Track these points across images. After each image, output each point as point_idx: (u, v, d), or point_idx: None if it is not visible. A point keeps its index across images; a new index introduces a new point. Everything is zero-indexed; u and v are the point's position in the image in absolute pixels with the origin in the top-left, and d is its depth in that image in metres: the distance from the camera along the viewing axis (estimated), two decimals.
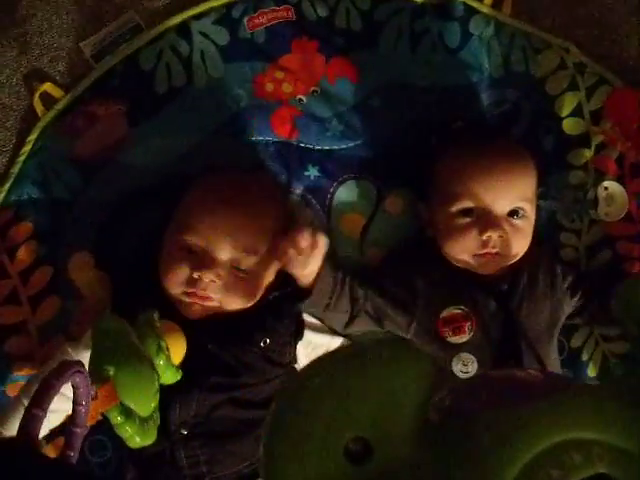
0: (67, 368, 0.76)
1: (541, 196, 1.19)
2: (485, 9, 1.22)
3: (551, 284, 1.16)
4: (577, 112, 1.23)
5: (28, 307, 1.17)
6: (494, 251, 1.10)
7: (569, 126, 1.23)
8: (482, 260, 1.12)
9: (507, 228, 1.10)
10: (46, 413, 0.70)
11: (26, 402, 0.96)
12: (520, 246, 1.12)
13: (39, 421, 0.68)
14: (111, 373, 0.85)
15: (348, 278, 1.13)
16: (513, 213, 1.10)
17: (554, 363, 1.16)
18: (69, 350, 1.11)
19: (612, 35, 1.24)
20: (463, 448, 0.54)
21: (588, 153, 1.22)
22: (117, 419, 0.86)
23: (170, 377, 0.95)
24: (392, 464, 0.53)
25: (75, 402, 0.83)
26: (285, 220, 1.16)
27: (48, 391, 0.71)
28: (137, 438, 0.89)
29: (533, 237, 1.15)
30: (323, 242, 1.06)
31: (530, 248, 1.14)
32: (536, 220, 1.16)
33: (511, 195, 1.10)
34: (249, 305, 1.09)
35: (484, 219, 1.10)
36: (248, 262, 1.07)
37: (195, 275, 1.05)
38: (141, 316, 0.98)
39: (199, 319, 1.09)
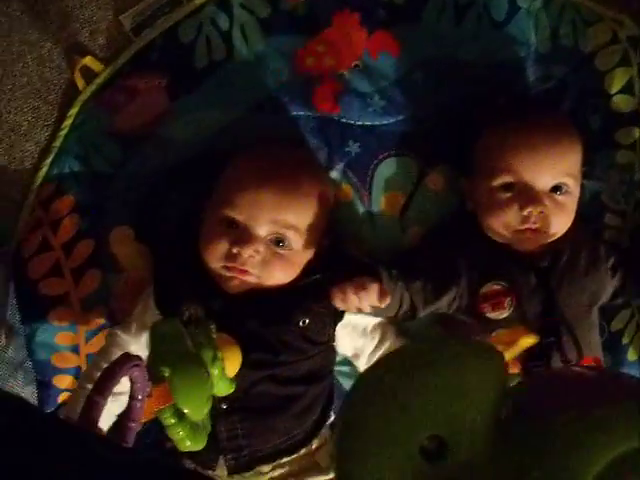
0: (128, 360, 0.78)
1: (586, 175, 1.16)
2: None
3: (593, 264, 1.14)
4: (627, 89, 1.18)
5: (71, 279, 1.20)
6: (534, 227, 1.09)
7: (619, 103, 1.19)
8: (522, 236, 1.10)
9: (549, 204, 1.08)
10: (107, 401, 0.73)
11: (87, 385, 1.01)
12: (562, 223, 1.10)
13: (100, 408, 0.71)
14: (167, 375, 0.87)
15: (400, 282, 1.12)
16: (556, 189, 1.09)
17: (594, 343, 1.15)
18: (119, 333, 1.14)
19: None
20: (539, 448, 0.53)
21: (637, 132, 1.19)
22: (170, 420, 0.88)
23: (223, 389, 0.97)
24: (467, 461, 0.53)
25: (132, 396, 0.85)
26: (329, 197, 1.16)
27: (109, 380, 0.74)
28: (187, 442, 0.91)
29: (576, 216, 1.13)
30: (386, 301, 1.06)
31: (573, 227, 1.12)
32: (580, 199, 1.14)
33: (554, 170, 1.08)
34: (288, 281, 1.10)
35: (525, 194, 1.08)
36: (288, 238, 1.08)
37: (234, 250, 1.06)
38: (199, 325, 0.99)
39: (240, 295, 1.10)
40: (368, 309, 1.07)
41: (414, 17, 1.19)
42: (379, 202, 1.21)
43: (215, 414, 1.06)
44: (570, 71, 1.19)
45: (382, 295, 1.05)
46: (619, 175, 1.20)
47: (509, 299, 1.12)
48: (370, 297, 1.05)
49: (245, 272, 1.07)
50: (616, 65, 1.18)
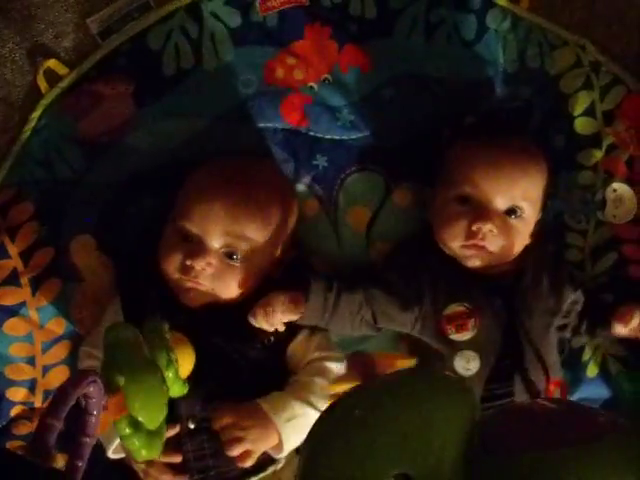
0: (83, 378, 0.75)
1: (549, 195, 1.19)
2: (503, 2, 1.19)
3: (555, 284, 1.16)
4: (590, 112, 1.21)
5: (28, 288, 1.16)
6: (481, 244, 1.10)
7: (581, 125, 1.21)
8: (468, 252, 1.12)
9: (499, 224, 1.09)
10: (61, 423, 0.69)
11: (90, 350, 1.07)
12: (511, 246, 1.12)
13: (54, 431, 0.68)
14: (121, 384, 0.84)
15: (343, 293, 1.11)
16: (510, 212, 1.10)
17: (556, 363, 1.17)
18: (89, 350, 1.12)
19: (630, 33, 1.21)
20: None
21: (598, 154, 1.21)
22: (125, 430, 0.84)
23: (177, 390, 0.95)
24: None
25: (86, 412, 0.82)
26: (290, 210, 1.16)
27: (64, 401, 0.70)
28: (143, 451, 0.88)
29: (539, 236, 1.15)
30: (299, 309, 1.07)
31: (535, 246, 1.15)
32: (543, 218, 1.17)
33: (511, 192, 1.10)
34: (245, 292, 1.09)
35: (478, 210, 1.10)
36: (241, 250, 1.07)
37: (187, 262, 1.06)
38: (150, 324, 0.97)
39: (202, 308, 1.09)
40: (286, 319, 1.06)
41: (385, 32, 1.20)
42: (345, 216, 1.22)
43: (182, 433, 1.06)
44: (536, 92, 1.21)
45: (292, 303, 1.06)
46: (581, 195, 1.22)
47: (473, 320, 1.13)
48: (279, 308, 1.05)
49: (198, 284, 1.07)
50: (579, 88, 1.21)
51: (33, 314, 1.16)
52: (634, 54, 1.22)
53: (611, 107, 1.21)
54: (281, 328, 1.07)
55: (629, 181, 1.21)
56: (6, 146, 1.17)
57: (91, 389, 0.78)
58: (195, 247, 1.07)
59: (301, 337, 1.12)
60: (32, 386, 1.18)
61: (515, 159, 1.11)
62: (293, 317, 1.07)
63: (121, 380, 0.84)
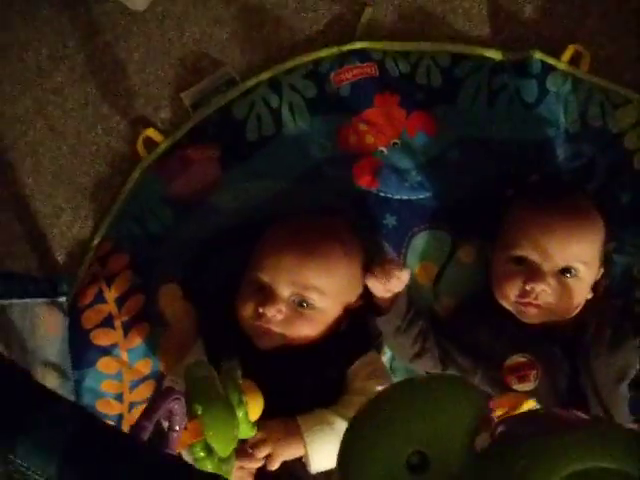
0: (170, 393, 0.87)
1: (616, 251, 1.20)
2: (562, 66, 1.25)
3: (619, 340, 1.15)
4: None
5: (121, 331, 1.28)
6: (535, 302, 1.13)
7: None
8: (522, 308, 1.15)
9: (553, 284, 1.12)
10: (152, 425, 0.80)
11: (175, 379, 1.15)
12: (566, 304, 1.14)
13: (146, 431, 0.79)
14: (199, 412, 0.93)
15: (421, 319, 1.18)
16: (565, 271, 1.13)
17: (623, 418, 1.14)
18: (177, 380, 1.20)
19: None
20: (502, 471, 0.60)
21: None
22: (199, 454, 0.93)
23: (246, 432, 1.02)
24: (445, 474, 0.60)
25: (170, 427, 0.92)
26: (360, 264, 1.21)
27: (155, 408, 0.82)
28: None
29: (603, 290, 1.15)
30: (407, 274, 1.14)
31: (599, 300, 1.15)
32: (609, 274, 1.17)
33: (565, 254, 1.12)
34: (314, 337, 1.16)
35: (532, 270, 1.13)
36: (310, 299, 1.14)
37: (260, 310, 1.14)
38: (226, 367, 1.05)
39: (273, 351, 1.16)
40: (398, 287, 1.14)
41: (450, 99, 1.28)
42: (414, 271, 1.27)
43: None
44: (598, 150, 1.24)
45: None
46: None
47: (535, 372, 1.14)
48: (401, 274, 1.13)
49: (269, 330, 1.15)
50: None
51: (124, 355, 1.27)
52: None
53: None
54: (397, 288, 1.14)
55: None
56: (108, 204, 1.32)
57: (176, 406, 0.88)
58: (266, 295, 1.15)
59: (361, 362, 1.17)
60: (119, 420, 1.28)
61: (568, 220, 1.14)
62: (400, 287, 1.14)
63: (199, 409, 0.93)
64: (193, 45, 1.32)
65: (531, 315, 1.14)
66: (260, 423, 1.04)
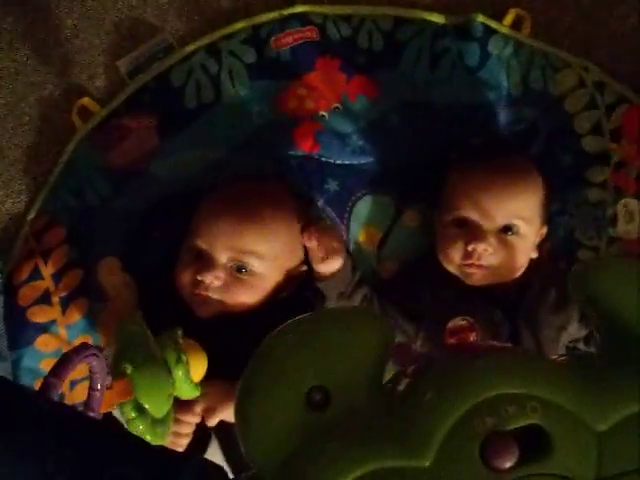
0: (85, 348, 0.82)
1: (558, 213, 1.20)
2: (504, 29, 1.24)
3: (563, 301, 1.16)
4: (596, 130, 1.23)
5: (59, 307, 1.24)
6: (478, 263, 1.13)
7: (588, 144, 1.23)
8: (466, 270, 1.15)
9: (495, 243, 1.12)
10: (62, 383, 0.75)
11: None
12: (509, 262, 1.14)
13: (55, 388, 0.75)
14: (128, 371, 0.90)
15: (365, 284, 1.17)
16: (506, 229, 1.13)
17: None
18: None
19: (632, 54, 1.24)
20: (410, 401, 0.59)
21: (607, 171, 1.22)
22: (130, 414, 0.91)
23: (188, 392, 1.00)
24: (348, 413, 0.58)
25: (90, 387, 0.88)
26: (300, 229, 1.19)
27: (65, 364, 0.77)
28: (147, 436, 0.93)
29: (547, 252, 1.16)
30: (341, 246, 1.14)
31: (543, 262, 1.15)
32: (552, 236, 1.18)
33: (504, 211, 1.12)
34: (254, 304, 1.14)
35: (472, 231, 1.13)
36: (249, 264, 1.12)
37: (197, 277, 1.12)
38: (166, 331, 1.03)
39: (213, 320, 1.14)
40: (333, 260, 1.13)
41: (392, 63, 1.26)
42: (357, 236, 1.26)
43: None
44: (540, 113, 1.24)
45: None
46: (591, 212, 1.23)
47: (475, 334, 1.14)
48: (334, 242, 1.13)
49: (208, 297, 1.13)
50: (584, 108, 1.23)
51: (63, 331, 1.24)
52: (636, 74, 1.24)
53: (618, 125, 1.23)
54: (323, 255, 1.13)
55: (639, 196, 1.21)
56: (42, 177, 1.27)
57: (93, 363, 0.83)
58: (204, 262, 1.13)
59: None
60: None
61: (503, 177, 1.14)
62: (338, 260, 1.13)
63: (128, 368, 0.90)
64: (128, 10, 1.27)
65: (476, 277, 1.14)
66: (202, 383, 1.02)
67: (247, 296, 1.13)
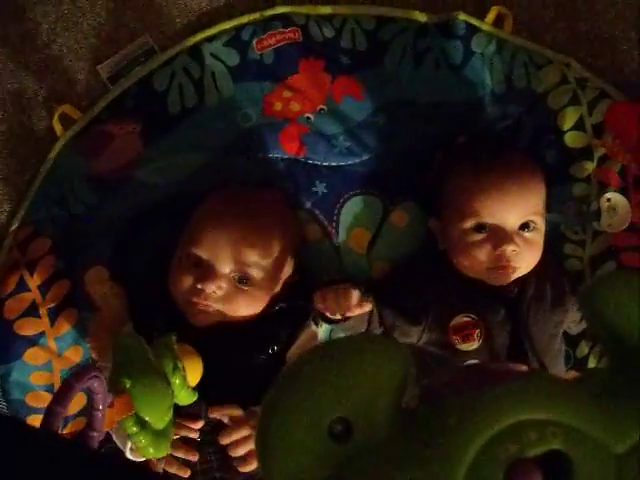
0: (86, 372, 0.81)
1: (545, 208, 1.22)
2: (486, 27, 1.25)
3: (558, 295, 1.18)
4: (579, 126, 1.24)
5: (47, 319, 1.22)
6: (507, 265, 1.13)
7: (571, 140, 1.25)
8: (496, 273, 1.14)
9: (519, 242, 1.12)
10: (66, 411, 0.75)
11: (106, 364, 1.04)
12: (533, 258, 1.15)
13: (59, 417, 0.74)
14: (127, 386, 0.90)
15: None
16: (524, 226, 1.13)
17: (559, 372, 1.18)
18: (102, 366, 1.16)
19: (613, 50, 1.26)
20: (432, 429, 0.58)
21: (590, 166, 1.24)
22: (132, 429, 0.90)
23: (185, 398, 1.00)
24: (370, 444, 0.58)
25: (92, 407, 0.88)
26: (295, 235, 1.21)
27: (68, 391, 0.77)
28: (150, 449, 0.93)
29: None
30: (368, 307, 1.10)
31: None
32: None
33: (522, 209, 1.13)
34: (253, 314, 1.14)
35: (497, 234, 1.12)
36: (251, 274, 1.12)
37: (198, 286, 1.10)
38: (159, 338, 1.02)
39: (208, 328, 1.13)
40: (349, 313, 1.08)
41: (376, 62, 1.26)
42: (346, 239, 1.26)
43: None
44: (524, 110, 1.25)
45: (362, 302, 1.08)
46: (576, 207, 1.25)
47: (478, 331, 1.15)
48: (350, 302, 1.06)
49: (208, 306, 1.12)
50: (567, 104, 1.25)
51: (52, 343, 1.22)
52: (617, 69, 1.26)
53: (600, 120, 1.24)
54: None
55: (622, 190, 1.23)
56: (25, 186, 1.24)
57: (95, 384, 0.83)
58: (206, 272, 1.11)
59: (300, 342, 1.16)
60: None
61: (517, 178, 1.14)
62: (364, 309, 1.09)
63: (127, 382, 0.90)
64: (107, 14, 1.25)
65: (505, 278, 1.14)
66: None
67: (247, 306, 1.13)
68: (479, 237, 1.13)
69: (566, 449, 0.57)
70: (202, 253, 1.12)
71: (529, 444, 0.56)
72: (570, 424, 0.57)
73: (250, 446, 1.05)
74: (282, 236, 1.16)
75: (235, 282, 1.12)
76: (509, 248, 1.12)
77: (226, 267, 1.11)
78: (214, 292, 1.10)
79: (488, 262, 1.13)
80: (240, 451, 1.05)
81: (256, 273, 1.12)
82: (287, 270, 1.18)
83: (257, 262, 1.11)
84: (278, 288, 1.16)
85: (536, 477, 0.56)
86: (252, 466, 1.05)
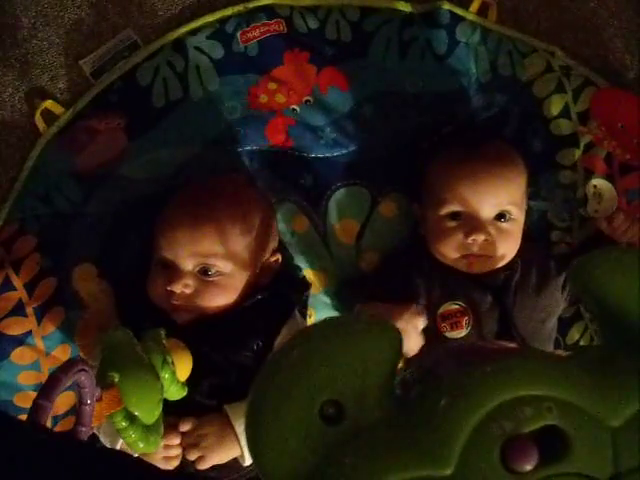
0: (73, 365, 0.79)
1: (531, 196, 1.22)
2: (471, 16, 1.25)
3: (544, 281, 1.19)
4: (564, 113, 1.25)
5: (34, 318, 1.20)
6: (479, 253, 1.14)
7: (557, 127, 1.25)
8: (467, 261, 1.15)
9: (493, 231, 1.13)
10: (52, 405, 0.73)
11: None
12: (507, 248, 1.15)
13: (45, 411, 0.72)
14: (116, 380, 0.88)
15: None
16: (500, 216, 1.14)
17: None
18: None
19: (596, 38, 1.26)
20: (425, 409, 0.59)
21: (577, 153, 1.25)
22: (121, 424, 0.88)
23: (175, 392, 0.99)
24: (362, 426, 0.58)
25: (80, 401, 0.86)
26: (266, 217, 1.18)
27: (55, 384, 0.74)
28: (140, 444, 0.91)
29: (525, 235, 1.17)
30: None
31: (523, 246, 1.17)
32: (527, 219, 1.19)
33: (497, 199, 1.13)
34: (230, 303, 1.12)
35: (470, 223, 1.13)
36: (214, 264, 1.10)
37: (168, 288, 1.10)
38: (149, 332, 1.01)
39: (192, 323, 1.12)
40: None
41: (361, 53, 1.26)
42: (334, 230, 1.26)
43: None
44: (510, 99, 1.26)
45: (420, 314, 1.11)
46: (563, 194, 1.25)
47: (467, 318, 1.15)
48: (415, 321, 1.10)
49: (183, 306, 1.11)
50: (552, 92, 1.25)
51: (39, 343, 1.20)
52: (601, 57, 1.26)
53: (585, 108, 1.25)
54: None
55: (608, 177, 1.24)
56: (8, 184, 1.23)
57: (82, 378, 0.81)
58: (171, 273, 1.11)
59: (285, 333, 1.15)
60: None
61: (493, 167, 1.15)
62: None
63: (116, 376, 0.88)
64: (88, 7, 1.23)
65: (477, 267, 1.15)
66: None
67: (221, 296, 1.12)
68: (452, 224, 1.14)
69: (562, 424, 0.57)
70: (166, 254, 1.11)
71: (524, 420, 0.57)
72: (565, 399, 0.57)
73: (199, 453, 1.06)
74: (243, 219, 1.13)
75: (201, 276, 1.10)
76: (480, 237, 1.12)
77: (188, 263, 1.10)
78: (183, 291, 1.10)
79: (459, 250, 1.14)
80: (191, 456, 1.06)
81: (219, 262, 1.10)
82: (262, 253, 1.16)
83: (216, 251, 1.10)
84: (252, 272, 1.14)
85: (532, 453, 0.57)
86: (203, 467, 1.06)
